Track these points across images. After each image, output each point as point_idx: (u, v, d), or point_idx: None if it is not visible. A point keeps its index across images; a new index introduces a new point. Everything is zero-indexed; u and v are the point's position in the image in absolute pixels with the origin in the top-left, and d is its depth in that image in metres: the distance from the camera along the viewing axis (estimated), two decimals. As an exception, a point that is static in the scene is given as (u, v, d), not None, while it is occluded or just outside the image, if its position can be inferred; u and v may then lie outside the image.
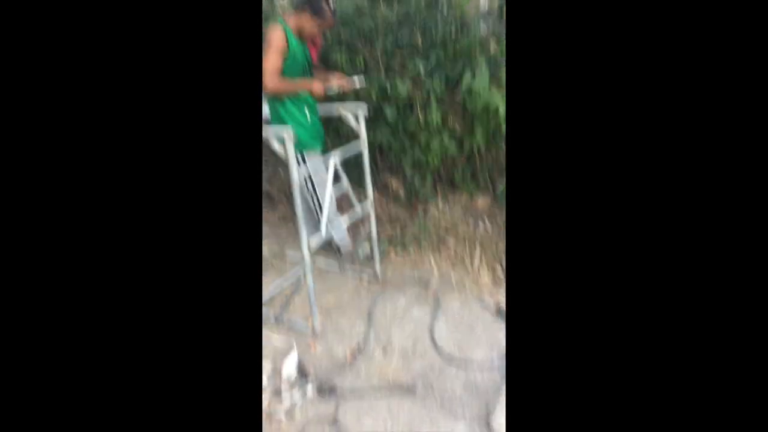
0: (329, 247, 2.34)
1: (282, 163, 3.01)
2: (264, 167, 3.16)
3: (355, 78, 2.04)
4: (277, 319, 1.81)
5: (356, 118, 1.84)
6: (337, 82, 2.03)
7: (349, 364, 1.56)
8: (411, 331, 1.72)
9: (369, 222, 2.00)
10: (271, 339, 1.70)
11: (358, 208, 1.89)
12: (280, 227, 2.72)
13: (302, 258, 1.61)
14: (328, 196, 1.70)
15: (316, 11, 1.91)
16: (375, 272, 2.08)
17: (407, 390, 1.45)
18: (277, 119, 2.06)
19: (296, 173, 1.49)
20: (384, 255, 2.28)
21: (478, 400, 1.40)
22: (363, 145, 1.85)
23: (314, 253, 2.40)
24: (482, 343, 1.64)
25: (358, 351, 1.63)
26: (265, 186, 3.04)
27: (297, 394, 1.45)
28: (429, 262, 2.18)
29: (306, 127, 2.06)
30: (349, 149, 1.84)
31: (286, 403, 1.42)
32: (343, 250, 2.31)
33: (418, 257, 2.25)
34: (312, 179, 2.08)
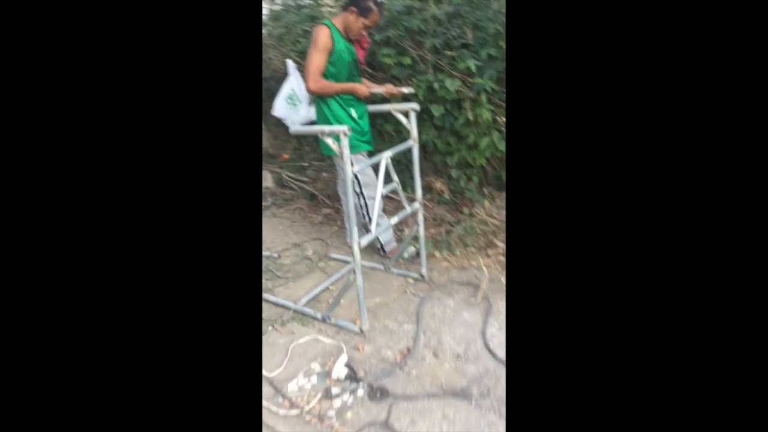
0: (372, 247, 2.32)
1: (326, 167, 3.03)
2: (309, 169, 3.19)
3: (404, 89, 2.04)
4: (324, 319, 1.80)
5: (407, 117, 1.81)
6: (384, 89, 2.02)
7: (400, 367, 1.52)
8: (462, 334, 1.67)
9: (416, 222, 1.97)
10: (319, 339, 1.69)
11: (408, 208, 1.86)
12: (323, 229, 2.72)
13: (353, 257, 1.59)
14: (378, 196, 1.68)
15: (362, 10, 1.90)
16: (421, 273, 2.04)
17: (462, 394, 1.40)
18: (323, 119, 2.06)
19: (350, 170, 1.47)
20: (428, 255, 2.24)
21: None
22: (414, 144, 1.82)
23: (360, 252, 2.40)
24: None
25: (408, 353, 1.59)
26: (309, 187, 3.06)
27: (348, 395, 1.42)
28: (477, 264, 2.12)
29: (353, 130, 2.05)
30: (399, 149, 1.81)
31: (337, 403, 1.40)
32: (387, 248, 2.28)
33: (464, 259, 2.19)
34: (359, 180, 2.07)
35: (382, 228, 1.81)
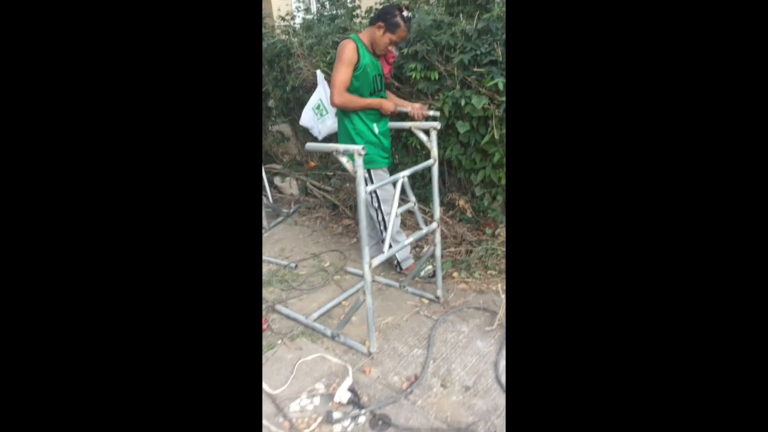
0: (390, 263, 2.28)
1: (350, 177, 3.02)
2: (333, 178, 3.19)
3: (430, 111, 2.00)
4: (334, 337, 1.78)
5: (428, 135, 1.77)
6: (410, 108, 2.00)
7: (405, 395, 1.47)
8: (473, 364, 1.60)
9: (434, 242, 1.91)
10: (326, 358, 1.67)
11: (424, 228, 1.81)
12: (343, 240, 2.71)
13: (364, 277, 1.55)
14: (393, 214, 1.64)
15: (390, 26, 1.88)
16: (436, 295, 1.99)
17: (467, 431, 1.33)
18: (344, 133, 2.05)
19: (363, 191, 1.44)
20: (446, 275, 2.18)
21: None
22: (434, 162, 1.77)
23: (374, 268, 2.36)
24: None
25: (415, 380, 1.54)
26: (332, 197, 3.06)
27: (349, 421, 1.39)
28: (495, 289, 2.04)
29: (374, 144, 2.02)
30: (418, 168, 1.77)
31: (337, 429, 1.36)
32: (404, 265, 2.24)
33: (483, 282, 2.12)
34: (378, 196, 2.04)
35: (399, 245, 1.77)
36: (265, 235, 2.86)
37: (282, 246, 2.71)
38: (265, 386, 1.53)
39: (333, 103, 1.93)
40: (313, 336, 1.82)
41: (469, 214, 2.43)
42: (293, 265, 2.43)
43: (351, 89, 1.93)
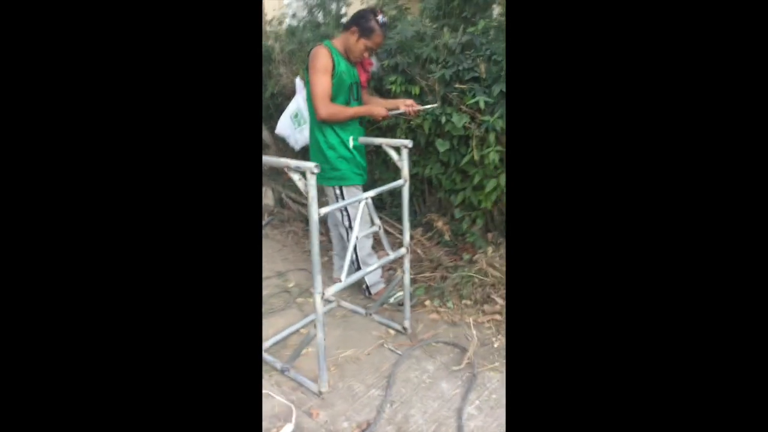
0: (358, 287, 2.12)
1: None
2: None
3: (428, 105, 1.87)
4: (284, 371, 1.60)
5: (399, 153, 1.62)
6: (403, 106, 1.85)
7: (354, 445, 1.30)
8: (435, 410, 1.44)
9: (403, 268, 1.76)
10: (270, 396, 1.49)
11: (391, 254, 1.65)
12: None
13: (315, 309, 1.39)
14: (353, 239, 1.48)
15: (364, 31, 1.75)
16: (403, 326, 1.82)
17: (417, 497, 1.16)
18: (315, 147, 1.90)
19: (315, 213, 1.29)
20: (417, 303, 2.02)
21: None
22: (404, 183, 1.63)
23: (340, 292, 2.20)
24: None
25: (367, 427, 1.37)
26: (306, 210, 2.90)
27: (286, 475, 1.21)
28: (469, 322, 1.88)
29: (347, 159, 1.88)
30: (386, 188, 1.62)
31: (272, 484, 1.19)
32: (373, 291, 2.08)
33: (456, 313, 1.96)
34: (349, 214, 1.89)
35: (364, 270, 1.61)
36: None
37: (248, 261, 2.54)
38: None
39: (319, 117, 1.77)
40: (264, 367, 1.65)
41: (447, 237, 2.28)
42: (256, 283, 2.26)
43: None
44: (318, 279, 1.36)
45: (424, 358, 1.68)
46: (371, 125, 2.31)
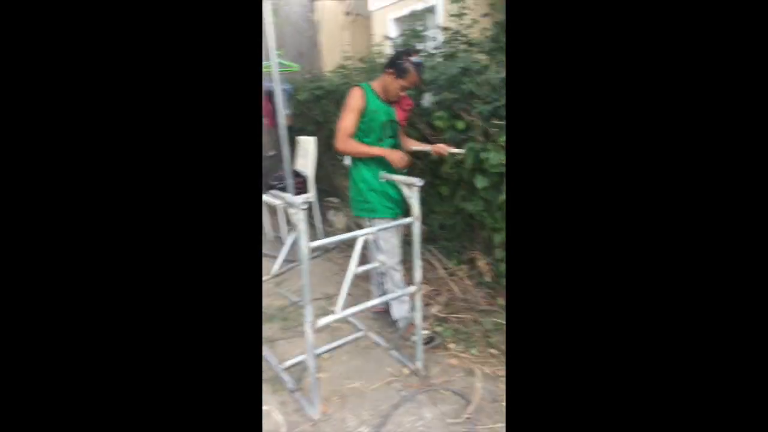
0: (389, 318, 2.13)
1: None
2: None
3: (453, 149, 1.93)
4: (292, 391, 1.69)
5: (410, 189, 1.63)
6: (431, 147, 1.93)
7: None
8: (415, 461, 1.37)
9: (415, 307, 1.73)
10: (270, 415, 1.59)
11: (398, 291, 1.64)
12: (362, 284, 2.62)
13: (306, 341, 1.46)
14: (348, 280, 1.52)
15: (399, 71, 1.82)
16: (416, 367, 1.78)
17: None
18: (352, 181, 2.01)
19: (305, 246, 1.37)
20: (442, 344, 1.94)
21: None
22: (413, 221, 1.62)
23: (373, 319, 2.23)
24: None
25: (345, 464, 1.37)
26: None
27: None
28: (487, 373, 1.75)
29: (377, 192, 1.94)
30: (392, 225, 1.63)
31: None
32: (401, 325, 2.07)
33: (478, 361, 1.84)
34: (379, 246, 1.93)
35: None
36: (296, 267, 2.92)
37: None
38: None
39: (335, 149, 1.91)
40: (277, 385, 1.77)
41: (488, 278, 2.16)
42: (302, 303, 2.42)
43: (355, 134, 1.90)
44: (308, 308, 1.43)
45: (425, 404, 1.62)
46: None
